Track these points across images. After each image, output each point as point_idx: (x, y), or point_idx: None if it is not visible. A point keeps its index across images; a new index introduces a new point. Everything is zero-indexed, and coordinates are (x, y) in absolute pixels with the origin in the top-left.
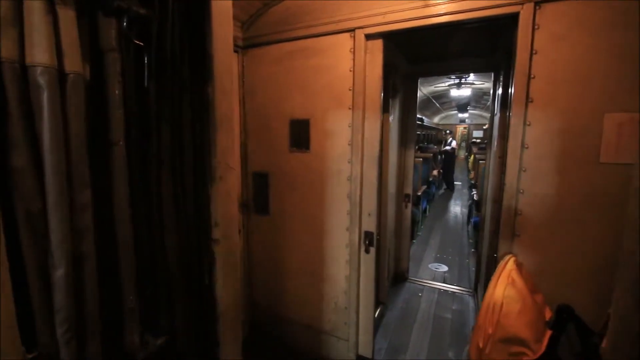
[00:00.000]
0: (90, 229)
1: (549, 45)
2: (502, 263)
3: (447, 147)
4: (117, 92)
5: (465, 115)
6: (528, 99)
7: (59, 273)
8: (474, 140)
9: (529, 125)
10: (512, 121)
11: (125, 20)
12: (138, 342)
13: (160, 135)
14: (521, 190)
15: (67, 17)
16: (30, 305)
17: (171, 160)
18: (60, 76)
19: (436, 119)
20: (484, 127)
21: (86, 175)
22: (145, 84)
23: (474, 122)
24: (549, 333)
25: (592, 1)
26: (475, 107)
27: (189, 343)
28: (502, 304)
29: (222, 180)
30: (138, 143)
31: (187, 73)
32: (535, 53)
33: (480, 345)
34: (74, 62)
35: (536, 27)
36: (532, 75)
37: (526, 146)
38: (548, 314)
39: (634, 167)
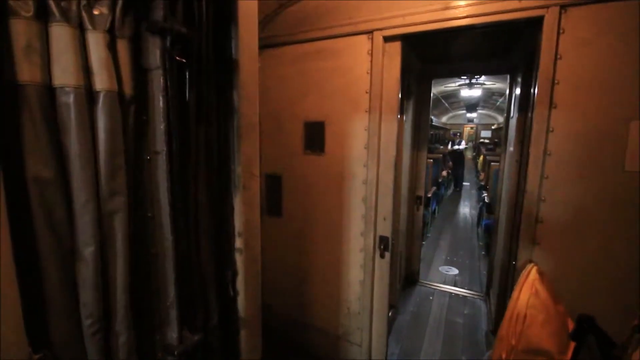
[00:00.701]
0: (122, 230)
1: (574, 50)
2: (524, 272)
3: (457, 147)
4: (161, 106)
5: (474, 115)
6: (552, 104)
7: (87, 270)
8: (482, 140)
9: (551, 131)
10: (535, 127)
11: (168, 39)
12: (176, 337)
13: (198, 145)
14: (543, 198)
15: (96, 39)
16: (42, 303)
17: (206, 168)
18: (90, 94)
19: (444, 119)
20: (493, 127)
21: (119, 182)
22: (187, 98)
23: (482, 122)
24: (572, 344)
25: (619, 5)
26: (483, 107)
27: (220, 343)
28: (525, 314)
29: (246, 188)
30: (179, 152)
31: (214, 79)
32: (560, 58)
33: (503, 356)
34: (104, 80)
35: (561, 31)
36: (556, 81)
37: (549, 153)
38: (571, 325)
39: None
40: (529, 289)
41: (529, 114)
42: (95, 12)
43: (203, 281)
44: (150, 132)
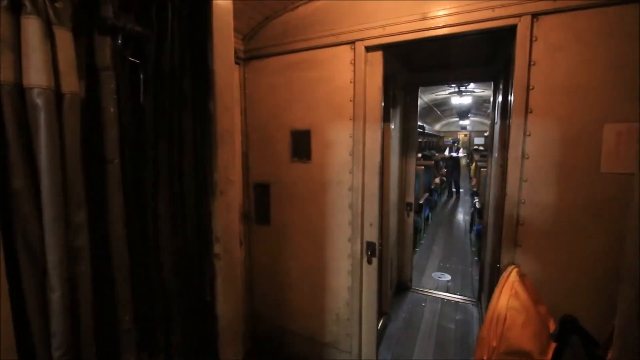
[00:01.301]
0: (85, 250)
1: (547, 57)
2: (505, 274)
3: (454, 154)
4: (112, 109)
5: (467, 122)
6: (527, 110)
7: (56, 295)
8: (476, 147)
9: (529, 135)
10: (512, 132)
11: (120, 38)
12: None
13: (156, 152)
14: (522, 200)
15: (64, 37)
16: (29, 328)
17: (169, 177)
18: (57, 96)
19: (437, 127)
20: (485, 134)
21: (81, 195)
22: (141, 101)
23: (475, 129)
24: (553, 345)
25: (588, 12)
26: (476, 114)
27: (187, 356)
28: (505, 316)
29: (223, 194)
30: (133, 161)
31: (189, 89)
32: (534, 64)
33: (485, 358)
34: (70, 83)
35: (534, 38)
36: (531, 87)
37: (526, 156)
38: (552, 326)
39: (635, 178)
40: (508, 291)
41: (508, 120)
42: (57, 5)
43: (165, 298)
44: (104, 138)
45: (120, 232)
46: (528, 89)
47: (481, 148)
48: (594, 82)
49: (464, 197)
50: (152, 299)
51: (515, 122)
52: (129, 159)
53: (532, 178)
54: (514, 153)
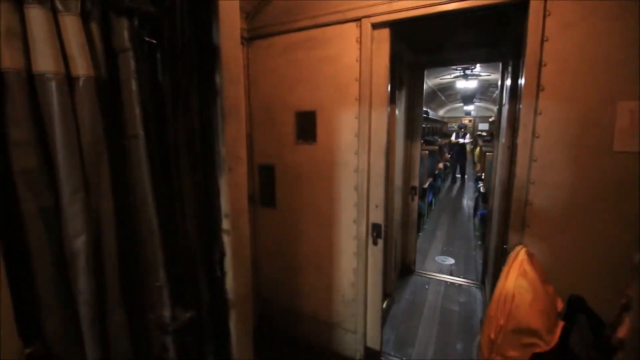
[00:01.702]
0: (108, 217)
1: (560, 32)
2: (513, 254)
3: (461, 140)
4: (133, 88)
5: (471, 107)
6: (539, 87)
7: (81, 259)
8: (480, 132)
9: (540, 114)
10: (523, 110)
11: (136, 20)
12: (169, 315)
13: (176, 127)
14: (532, 181)
15: (72, 23)
16: (33, 296)
17: (188, 150)
18: (69, 80)
19: (441, 112)
20: (490, 120)
21: (103, 169)
22: (160, 79)
23: (480, 114)
24: (561, 324)
25: None
26: (480, 100)
27: (213, 320)
28: (513, 294)
29: (232, 171)
30: (156, 135)
31: (196, 63)
32: (546, 40)
33: (492, 336)
34: (82, 66)
35: (547, 13)
36: (543, 63)
37: (537, 135)
38: (560, 305)
39: None
40: (516, 270)
41: (518, 100)
42: None
43: (191, 261)
44: (126, 115)
45: (150, 199)
46: (540, 66)
47: (484, 134)
48: (608, 58)
49: (468, 182)
50: (181, 261)
51: (526, 100)
52: (153, 134)
53: (542, 158)
54: (524, 132)
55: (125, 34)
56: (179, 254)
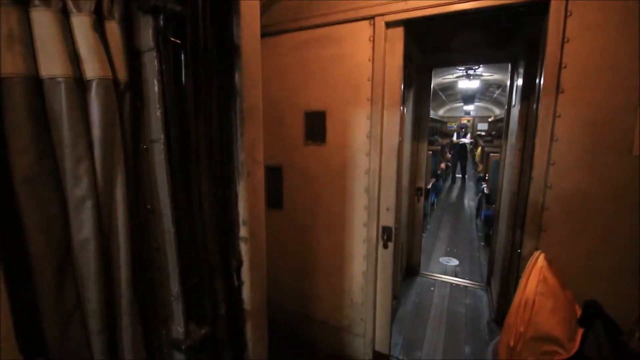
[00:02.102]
0: (123, 223)
1: (581, 33)
2: (531, 260)
3: (463, 140)
4: (155, 90)
5: (471, 107)
6: (559, 89)
7: (89, 268)
8: (479, 132)
9: (559, 116)
10: (541, 113)
11: (161, 19)
12: (182, 331)
13: (198, 131)
14: (549, 185)
15: (82, 23)
16: (36, 308)
17: (208, 155)
18: (81, 83)
19: (441, 112)
20: (489, 120)
21: (117, 173)
22: (183, 81)
23: (479, 114)
24: (581, 331)
25: None
26: (480, 100)
27: (228, 335)
28: (534, 301)
29: (250, 175)
30: (178, 140)
31: (217, 63)
32: (567, 41)
33: (511, 344)
34: (95, 68)
35: (568, 14)
36: (563, 65)
37: (555, 139)
38: (579, 311)
39: None
40: (536, 276)
41: (535, 101)
42: None
43: (210, 271)
44: (146, 119)
45: (168, 207)
46: (560, 68)
47: (483, 134)
48: (630, 61)
49: (468, 182)
50: (198, 272)
51: (544, 102)
52: (174, 139)
53: (560, 161)
54: (542, 135)
55: (150, 33)
56: (196, 264)
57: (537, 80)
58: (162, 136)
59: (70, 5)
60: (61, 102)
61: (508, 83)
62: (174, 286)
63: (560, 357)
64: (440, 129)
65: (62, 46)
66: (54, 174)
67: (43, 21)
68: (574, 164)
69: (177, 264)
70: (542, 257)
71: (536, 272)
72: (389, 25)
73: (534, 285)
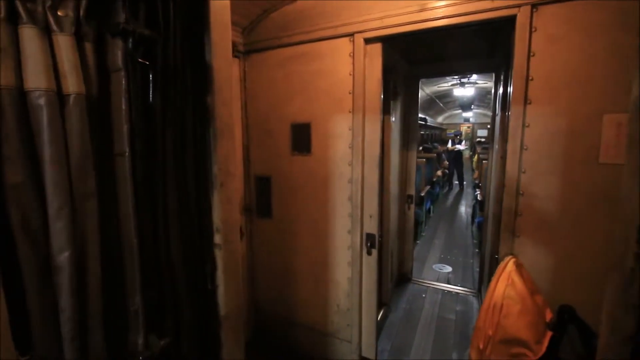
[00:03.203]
0: (94, 234)
1: (546, 47)
2: (502, 264)
3: (458, 147)
4: (123, 107)
5: (470, 114)
6: (526, 101)
7: (64, 276)
8: (479, 139)
9: (527, 126)
10: (511, 122)
11: (131, 42)
12: (142, 342)
13: (165, 146)
14: (521, 192)
15: (66, 43)
16: (26, 308)
17: (175, 168)
18: (60, 97)
19: (440, 119)
20: (489, 126)
21: (90, 186)
22: (150, 99)
23: (478, 121)
24: (549, 334)
25: (588, 3)
26: (479, 106)
27: (193, 344)
28: (502, 305)
29: (223, 186)
30: (143, 154)
31: (189, 84)
32: (533, 55)
33: (481, 346)
34: (74, 84)
35: (533, 29)
36: (530, 77)
37: (525, 147)
38: (549, 315)
39: (624, 169)
40: (505, 280)
41: (507, 111)
42: (60, 14)
43: (173, 283)
44: (115, 133)
45: (130, 218)
46: (527, 80)
47: (483, 140)
48: (594, 72)
49: (466, 189)
50: (161, 283)
51: (514, 113)
52: (139, 152)
53: (530, 169)
54: (512, 144)
55: (119, 55)
56: (159, 276)
57: (508, 91)
58: (127, 150)
59: (53, 24)
60: (44, 114)
61: (492, 92)
62: (136, 298)
63: (528, 358)
64: (439, 136)
65: (46, 61)
66: (37, 182)
67: (31, 37)
68: (544, 172)
69: (138, 276)
70: (511, 261)
71: (505, 276)
72: (367, 41)
73: (502, 289)
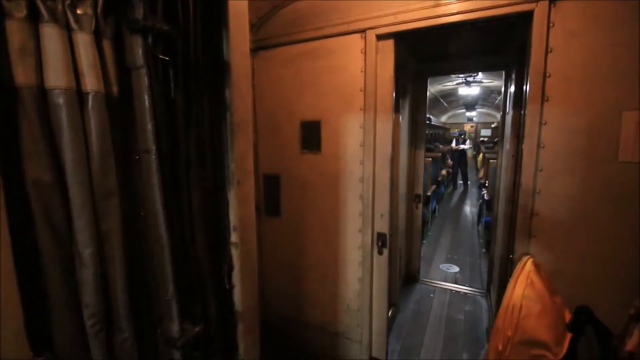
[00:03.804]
0: (117, 232)
1: (564, 43)
2: (520, 264)
3: (462, 146)
4: (146, 105)
5: (473, 113)
6: (544, 98)
7: (87, 272)
8: (482, 139)
9: (545, 124)
10: (528, 120)
11: (150, 38)
12: (177, 329)
13: (188, 143)
14: (538, 191)
15: (85, 41)
16: (44, 306)
17: (198, 165)
18: (80, 96)
19: (444, 118)
20: (492, 126)
21: (111, 183)
22: (172, 95)
23: (482, 120)
24: (569, 335)
25: None
26: (483, 106)
27: (220, 334)
28: (521, 305)
29: (240, 184)
30: (168, 151)
31: (207, 79)
32: (551, 51)
33: (500, 348)
34: (93, 82)
35: (551, 24)
36: (547, 74)
37: (542, 145)
38: (568, 316)
39: None
40: (524, 281)
41: (523, 108)
42: (79, 12)
43: (200, 274)
44: (139, 131)
45: (160, 214)
46: (544, 77)
47: (486, 140)
48: (613, 69)
49: (471, 189)
50: (189, 275)
51: (530, 110)
52: (164, 150)
53: (547, 168)
54: (529, 142)
55: (140, 52)
56: (188, 267)
57: (524, 88)
58: (154, 147)
59: (72, 23)
60: (64, 112)
61: (502, 90)
62: (169, 287)
63: None
64: (442, 136)
65: (66, 60)
66: (59, 179)
67: (51, 36)
68: (562, 170)
69: (171, 267)
70: (530, 261)
71: (524, 277)
72: (379, 37)
73: (521, 290)
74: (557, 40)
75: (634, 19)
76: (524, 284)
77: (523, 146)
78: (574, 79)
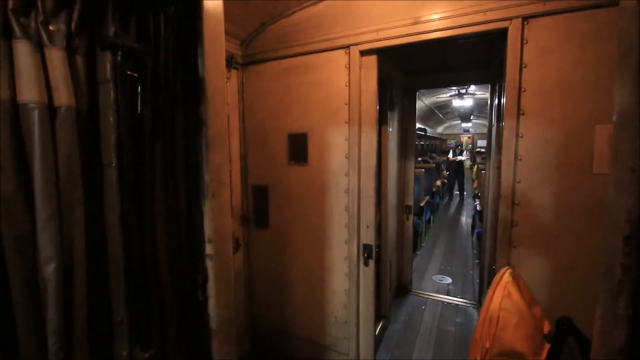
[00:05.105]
0: (80, 245)
1: (538, 59)
2: (498, 275)
3: (458, 157)
4: (110, 119)
5: (469, 124)
6: (519, 111)
7: (50, 287)
8: (479, 149)
9: (521, 137)
10: (505, 133)
11: (120, 54)
12: (126, 354)
13: (153, 157)
14: (516, 202)
15: (57, 56)
16: (13, 320)
17: (164, 179)
18: (51, 110)
19: (440, 129)
20: None
21: (77, 196)
22: (139, 110)
23: (478, 131)
24: (547, 346)
25: (578, 15)
26: (478, 117)
27: (180, 357)
28: (498, 317)
29: (215, 196)
30: (130, 164)
31: (181, 95)
32: (525, 67)
33: (478, 359)
34: (63, 97)
35: (525, 41)
36: (523, 89)
37: (520, 158)
38: (546, 327)
39: (610, 179)
40: (501, 292)
41: (501, 121)
42: (52, 28)
43: (160, 294)
44: (103, 144)
45: (116, 229)
46: (520, 91)
47: (482, 150)
48: (585, 83)
49: (467, 199)
50: (147, 295)
51: (507, 123)
52: (126, 163)
53: (525, 179)
54: (507, 155)
55: (108, 67)
56: (146, 287)
57: (502, 102)
58: (114, 161)
59: (45, 39)
60: (36, 126)
61: (488, 103)
62: (120, 309)
63: None
64: (439, 147)
65: (39, 75)
66: (27, 194)
67: (24, 52)
68: (539, 182)
69: (123, 287)
70: (508, 272)
71: (501, 288)
72: (363, 53)
73: (498, 301)
74: (531, 57)
75: (604, 35)
76: (501, 295)
77: (501, 158)
78: (549, 94)
